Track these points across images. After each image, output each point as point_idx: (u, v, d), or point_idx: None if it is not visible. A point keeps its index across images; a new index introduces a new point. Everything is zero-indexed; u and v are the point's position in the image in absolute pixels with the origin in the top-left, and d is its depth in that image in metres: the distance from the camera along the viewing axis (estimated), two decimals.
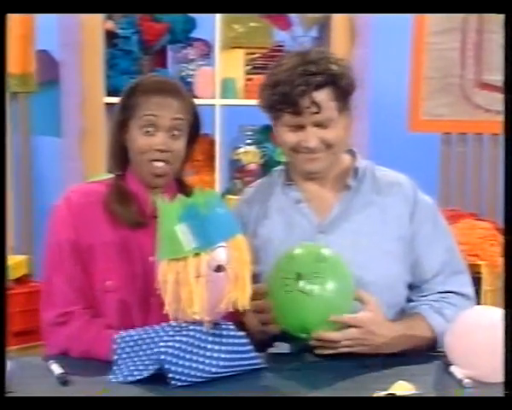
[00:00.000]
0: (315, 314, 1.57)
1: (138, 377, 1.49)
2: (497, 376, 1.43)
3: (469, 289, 1.82)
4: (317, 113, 1.72)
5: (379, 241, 1.77)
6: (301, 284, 1.56)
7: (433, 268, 1.79)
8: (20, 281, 2.77)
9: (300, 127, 1.74)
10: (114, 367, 1.54)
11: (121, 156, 1.78)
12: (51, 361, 1.58)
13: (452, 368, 1.54)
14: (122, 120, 1.76)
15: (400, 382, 1.44)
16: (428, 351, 1.72)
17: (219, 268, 1.48)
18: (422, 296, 1.79)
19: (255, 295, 1.57)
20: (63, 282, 1.71)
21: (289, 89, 1.70)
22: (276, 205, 1.86)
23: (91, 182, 1.84)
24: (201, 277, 1.46)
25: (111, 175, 1.81)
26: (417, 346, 1.71)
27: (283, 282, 1.58)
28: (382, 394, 1.40)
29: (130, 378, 1.50)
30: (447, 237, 1.85)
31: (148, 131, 1.71)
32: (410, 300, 1.80)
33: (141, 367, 1.51)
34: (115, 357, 1.56)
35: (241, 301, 1.51)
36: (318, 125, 1.74)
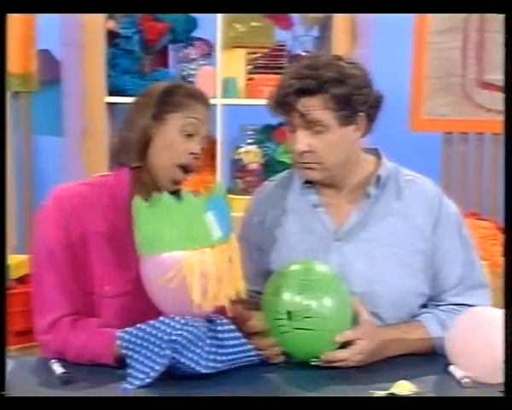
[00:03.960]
0: (319, 343, 1.56)
1: (153, 375, 1.47)
2: (496, 377, 1.43)
3: (485, 304, 1.75)
4: (302, 116, 1.67)
5: (397, 252, 1.72)
6: (294, 322, 1.53)
7: (451, 282, 1.75)
8: (22, 280, 2.77)
9: (293, 129, 1.71)
10: (129, 371, 1.51)
11: (143, 149, 1.72)
12: (53, 361, 1.58)
13: (451, 368, 1.54)
14: (158, 113, 1.71)
15: (400, 382, 1.44)
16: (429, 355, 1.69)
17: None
18: (435, 305, 1.76)
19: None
20: (52, 287, 1.65)
21: (281, 91, 1.68)
22: (292, 206, 1.82)
23: (78, 183, 1.75)
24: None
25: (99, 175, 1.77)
26: (414, 351, 1.67)
27: (276, 323, 1.55)
28: (382, 394, 1.41)
29: (147, 380, 1.47)
30: (469, 249, 1.79)
31: (188, 134, 1.71)
32: (423, 305, 1.76)
33: (151, 365, 1.49)
34: (128, 360, 1.53)
35: (240, 288, 1.53)
36: (308, 128, 1.68)
